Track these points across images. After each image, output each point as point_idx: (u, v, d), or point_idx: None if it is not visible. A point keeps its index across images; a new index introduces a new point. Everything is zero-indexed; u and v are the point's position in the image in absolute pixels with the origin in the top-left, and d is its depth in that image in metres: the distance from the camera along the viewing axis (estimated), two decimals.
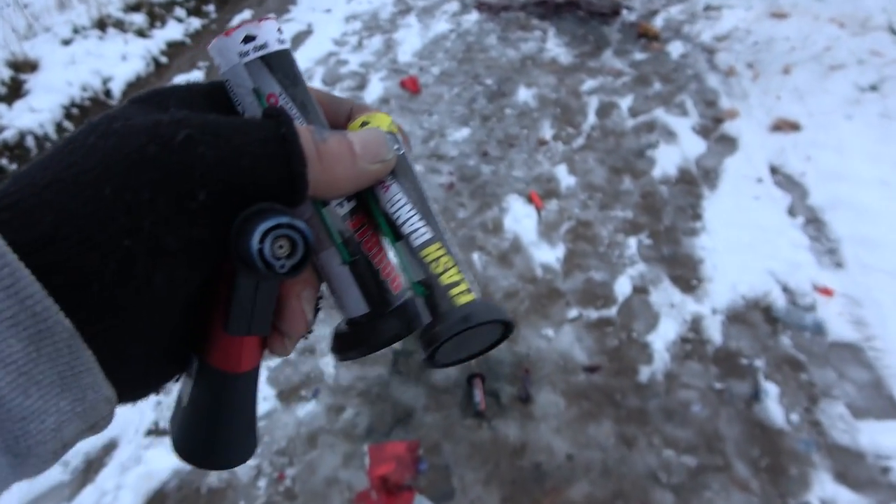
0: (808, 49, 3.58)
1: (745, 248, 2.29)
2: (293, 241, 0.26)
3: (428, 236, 0.31)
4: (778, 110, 3.07)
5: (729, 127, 2.99)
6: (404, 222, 0.31)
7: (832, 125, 2.91)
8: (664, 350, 1.94)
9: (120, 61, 3.60)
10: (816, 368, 1.89)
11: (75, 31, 3.72)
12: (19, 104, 3.09)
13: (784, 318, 2.03)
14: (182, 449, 0.31)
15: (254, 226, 0.25)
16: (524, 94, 3.31)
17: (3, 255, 0.20)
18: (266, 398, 1.85)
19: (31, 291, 0.20)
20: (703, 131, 2.99)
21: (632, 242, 2.35)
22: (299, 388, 1.89)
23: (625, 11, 4.24)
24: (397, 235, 0.31)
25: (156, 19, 4.10)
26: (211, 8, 4.53)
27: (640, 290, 2.16)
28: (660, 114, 3.12)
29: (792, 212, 2.47)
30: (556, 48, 3.80)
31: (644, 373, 1.88)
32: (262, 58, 0.29)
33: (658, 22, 4.09)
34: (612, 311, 2.07)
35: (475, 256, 2.28)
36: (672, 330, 2.00)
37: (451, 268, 0.30)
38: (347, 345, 0.31)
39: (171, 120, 0.24)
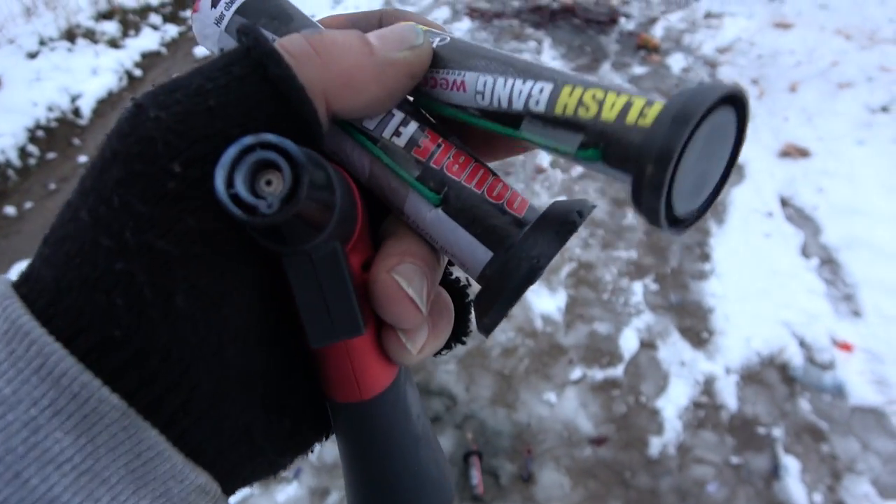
0: (814, 64, 3.43)
1: (757, 295, 2.15)
2: (277, 166, 0.18)
3: (549, 88, 0.21)
4: (786, 133, 2.93)
5: None
6: (509, 97, 0.22)
7: (843, 152, 2.77)
8: (676, 417, 1.79)
9: (90, 76, 3.39)
10: (838, 438, 1.75)
11: (42, 42, 3.50)
12: None
13: (802, 379, 1.89)
14: None
15: (215, 166, 0.18)
16: None
17: (29, 333, 0.17)
18: None
19: (63, 368, 0.17)
20: None
21: (637, 288, 2.20)
22: None
23: (622, 19, 4.07)
24: (513, 121, 0.22)
25: (129, 27, 3.88)
26: (188, 13, 4.31)
27: (647, 344, 2.01)
28: None
29: (805, 251, 2.33)
30: (551, 60, 3.62)
31: (655, 445, 1.74)
32: (237, 12, 0.24)
33: (657, 31, 3.93)
34: (619, 371, 1.93)
35: None
36: (683, 393, 1.86)
37: (604, 97, 0.20)
38: (486, 303, 0.22)
39: (130, 103, 0.20)
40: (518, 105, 0.22)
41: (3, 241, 2.56)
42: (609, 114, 0.20)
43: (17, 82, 3.16)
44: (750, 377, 1.91)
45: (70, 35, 3.61)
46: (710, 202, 0.22)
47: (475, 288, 0.25)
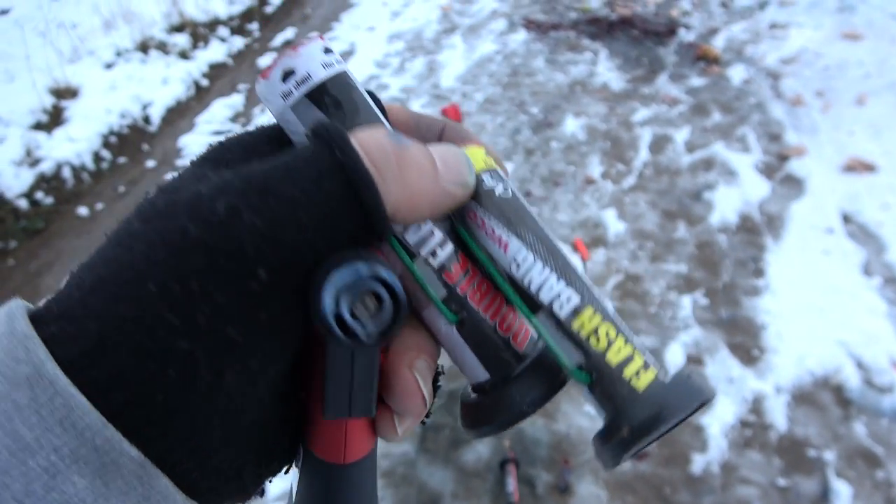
0: (884, 76, 3.29)
1: (813, 314, 2.07)
2: (378, 295, 0.21)
3: (576, 301, 0.24)
4: (851, 147, 2.81)
5: (796, 165, 2.75)
6: (540, 286, 0.24)
7: None
8: (721, 435, 1.75)
9: (160, 85, 3.56)
10: (895, 464, 1.67)
11: (118, 54, 3.71)
12: (58, 132, 3.08)
13: (858, 401, 1.82)
14: None
15: (323, 285, 0.20)
16: (572, 125, 3.13)
17: (53, 382, 0.18)
18: None
19: (88, 422, 0.18)
20: (767, 170, 2.76)
21: (686, 302, 2.15)
22: None
23: (682, 30, 4.00)
24: (532, 305, 0.25)
25: (199, 40, 4.07)
26: (254, 26, 4.48)
27: (694, 359, 1.97)
28: (719, 149, 2.90)
29: (867, 270, 2.24)
30: (607, 72, 3.60)
31: (698, 462, 1.70)
32: (307, 94, 0.25)
33: (719, 42, 3.85)
34: None
35: None
36: (730, 411, 1.81)
37: (615, 338, 0.24)
38: (478, 419, 0.26)
39: (211, 188, 0.21)
40: (544, 298, 0.24)
41: (76, 241, 2.72)
42: (613, 357, 0.23)
43: (94, 91, 3.36)
44: (802, 398, 1.84)
45: (144, 47, 3.82)
46: (647, 446, 0.24)
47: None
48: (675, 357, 1.97)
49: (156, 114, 3.40)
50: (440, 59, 3.87)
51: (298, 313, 0.21)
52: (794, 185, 2.66)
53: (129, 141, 3.21)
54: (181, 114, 3.53)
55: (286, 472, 0.27)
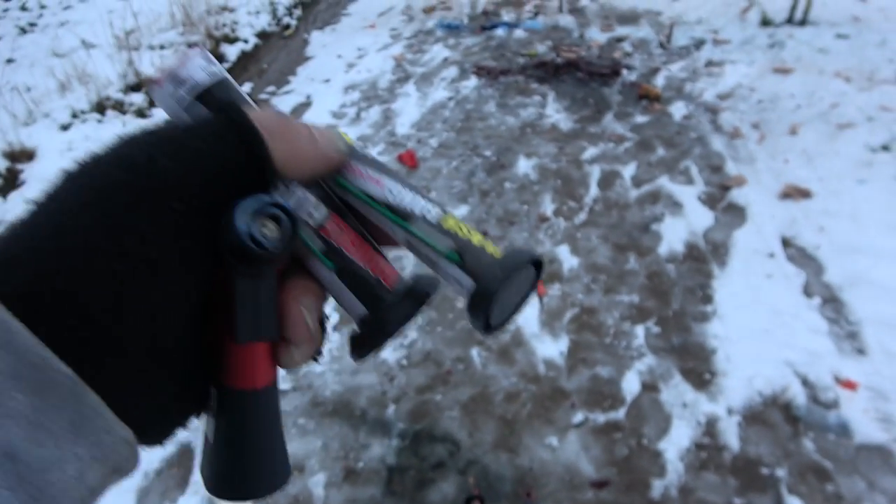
0: (814, 106, 3.49)
1: (759, 335, 2.17)
2: (279, 219, 0.26)
3: (438, 209, 0.32)
4: (787, 175, 2.97)
5: (737, 195, 2.89)
6: (409, 203, 0.31)
7: (845, 191, 2.81)
8: (678, 459, 1.80)
9: None
10: (844, 477, 1.74)
11: (74, 115, 3.73)
12: (14, 196, 3.07)
13: (805, 418, 1.89)
14: (215, 486, 0.31)
15: (237, 209, 0.25)
16: (524, 166, 3.24)
17: None
18: None
19: (26, 344, 0.20)
20: (710, 200, 2.89)
21: (639, 331, 2.23)
22: None
23: (625, 71, 4.20)
24: (407, 217, 0.31)
25: None
26: None
27: (649, 387, 2.03)
28: (664, 182, 3.03)
29: (807, 291, 2.35)
30: (555, 113, 3.74)
31: (657, 487, 1.74)
32: (197, 97, 0.29)
33: (659, 80, 4.04)
34: (621, 414, 1.95)
35: (473, 352, 2.18)
36: (685, 435, 1.87)
37: (471, 231, 0.32)
38: (361, 342, 0.32)
39: (130, 143, 0.25)
40: (415, 210, 0.31)
41: None
42: (474, 240, 0.31)
43: (50, 153, 3.37)
44: (753, 417, 1.91)
45: (100, 107, 3.85)
46: (509, 319, 0.32)
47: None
48: (631, 385, 2.03)
49: None
50: (395, 107, 3.98)
51: (207, 245, 0.25)
52: (736, 213, 2.79)
53: None
54: None
55: (198, 416, 0.30)
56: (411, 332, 2.27)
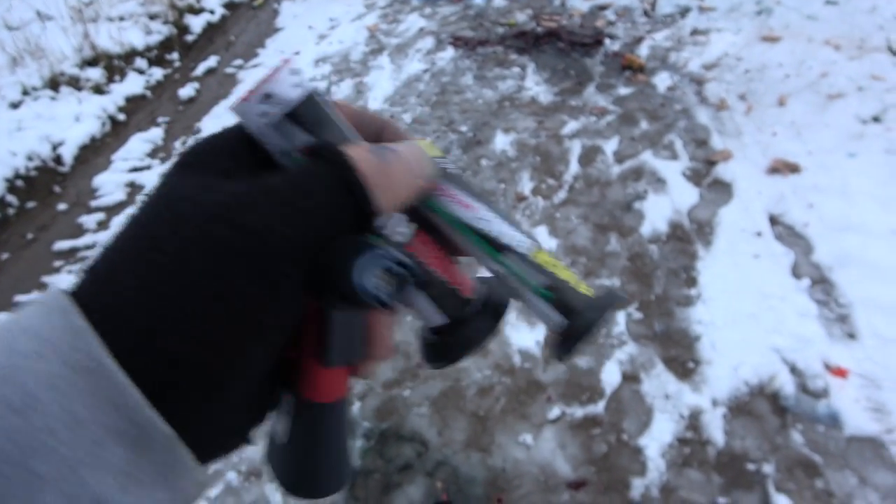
0: (803, 76, 3.36)
1: (745, 320, 2.06)
2: (390, 269, 0.27)
3: (530, 243, 0.32)
4: (774, 149, 2.84)
5: (722, 170, 2.76)
6: (501, 233, 0.32)
7: (834, 165, 2.68)
8: (659, 456, 1.70)
9: (72, 123, 3.39)
10: (834, 472, 1.64)
11: (25, 92, 3.52)
12: None
13: (794, 409, 1.79)
14: (292, 484, 0.33)
15: (359, 266, 0.25)
16: (502, 142, 3.09)
17: (110, 372, 0.21)
18: None
19: (132, 403, 0.21)
20: (695, 176, 2.76)
21: (620, 318, 2.11)
22: None
23: (607, 40, 4.03)
24: (499, 248, 0.32)
25: (114, 73, 3.90)
26: (175, 56, 4.33)
27: (630, 377, 1.92)
28: (647, 157, 2.89)
29: (796, 271, 2.24)
30: (535, 86, 3.58)
31: (637, 487, 1.64)
32: (286, 114, 0.29)
33: (643, 50, 3.88)
34: (600, 408, 1.83)
35: None
36: (667, 429, 1.76)
37: (563, 268, 0.32)
38: (441, 353, 0.33)
39: (239, 203, 0.25)
40: (507, 241, 0.31)
41: None
42: (568, 278, 0.31)
43: None
44: (738, 409, 1.81)
45: (54, 83, 3.63)
46: (582, 349, 0.39)
47: None
48: (611, 377, 1.92)
49: (68, 153, 3.22)
50: (367, 80, 3.80)
51: (308, 291, 0.26)
52: (721, 189, 2.67)
53: (39, 184, 3.03)
54: (96, 151, 3.36)
55: (264, 420, 0.31)
56: None
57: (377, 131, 0.33)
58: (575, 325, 0.30)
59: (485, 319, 0.32)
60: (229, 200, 0.25)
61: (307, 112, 0.29)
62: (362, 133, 0.32)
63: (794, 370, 1.89)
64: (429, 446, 1.75)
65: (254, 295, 0.24)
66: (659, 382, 1.89)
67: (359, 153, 0.27)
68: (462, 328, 0.32)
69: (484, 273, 0.33)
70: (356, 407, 1.86)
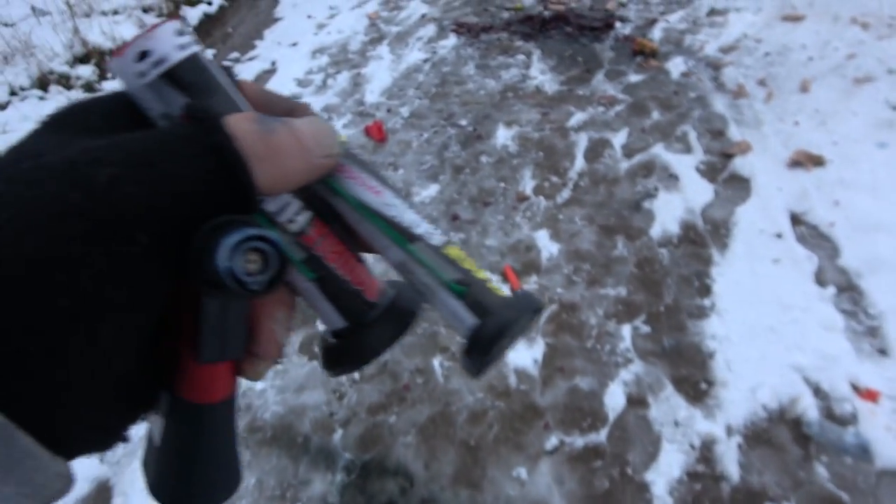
0: (828, 59, 3.12)
1: (764, 335, 1.88)
2: (265, 253, 0.23)
3: (442, 236, 0.30)
4: (797, 139, 2.64)
5: (740, 164, 2.57)
6: (412, 223, 0.29)
7: (863, 157, 2.47)
8: (667, 494, 1.54)
9: None
10: None
11: (12, 93, 3.41)
12: None
13: (818, 437, 1.62)
14: (161, 492, 0.29)
15: (217, 243, 0.22)
16: (503, 136, 2.91)
17: None
18: None
19: None
20: (710, 171, 2.56)
21: (626, 332, 1.94)
22: None
23: (618, 24, 3.81)
24: (409, 237, 0.29)
25: (106, 70, 3.78)
26: None
27: (636, 401, 1.75)
28: (659, 151, 2.70)
29: (820, 278, 2.05)
30: (540, 74, 3.39)
31: None
32: (163, 74, 0.26)
33: (656, 33, 3.66)
34: (602, 436, 1.68)
35: (435, 363, 1.90)
36: (677, 462, 1.60)
37: (475, 266, 0.30)
38: (338, 359, 0.31)
39: (89, 158, 0.21)
40: (417, 231, 0.29)
41: None
42: (480, 276, 0.29)
43: None
44: (756, 437, 1.64)
45: (42, 83, 3.52)
46: (495, 363, 0.29)
47: None
48: (615, 399, 1.76)
49: None
50: (365, 72, 3.63)
51: (170, 274, 0.22)
52: (739, 185, 2.47)
53: None
54: None
55: (142, 419, 0.28)
56: None
57: (287, 113, 0.30)
58: (489, 326, 0.28)
59: (389, 326, 0.30)
60: (76, 155, 0.21)
61: (189, 74, 0.26)
62: (270, 114, 0.27)
63: (818, 392, 1.72)
64: (414, 481, 1.61)
65: (93, 262, 0.20)
66: (668, 407, 1.73)
67: (239, 121, 0.24)
68: (363, 334, 0.30)
69: (389, 266, 0.30)
70: (337, 436, 1.73)
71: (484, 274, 0.29)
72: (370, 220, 0.29)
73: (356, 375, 1.89)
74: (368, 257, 0.32)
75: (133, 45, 0.25)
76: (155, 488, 0.29)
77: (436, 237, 0.29)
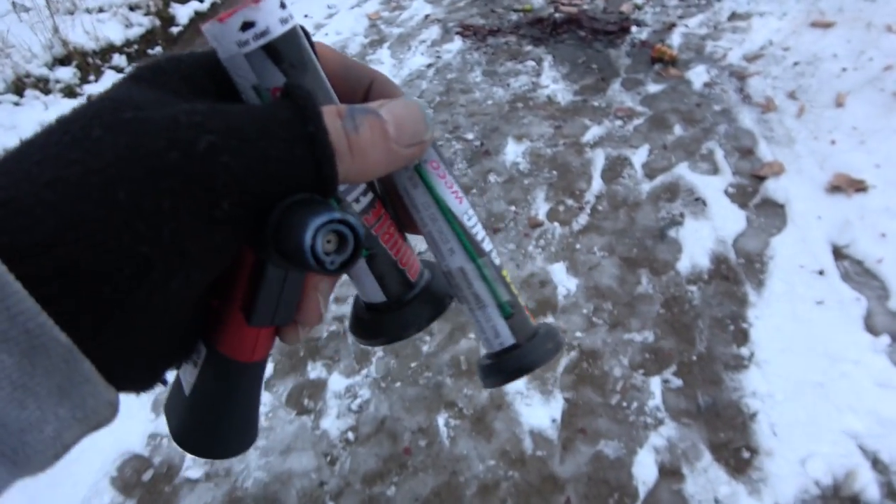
0: (863, 70, 2.89)
1: (811, 392, 1.66)
2: (342, 235, 0.24)
3: (499, 258, 0.31)
4: (834, 160, 2.41)
5: (773, 187, 2.35)
6: (483, 238, 0.30)
7: None
8: None
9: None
10: None
11: None
12: None
13: None
14: (184, 439, 0.30)
15: (305, 221, 0.23)
16: (513, 152, 2.69)
17: None
18: None
19: (22, 307, 0.19)
20: (741, 195, 2.34)
21: (655, 386, 1.73)
22: None
23: (634, 28, 3.58)
24: (479, 252, 0.30)
25: (88, 72, 3.55)
26: (158, 50, 3.97)
27: (669, 472, 1.54)
28: (683, 171, 2.48)
29: (870, 324, 1.83)
30: (552, 83, 3.16)
31: None
32: (263, 47, 0.25)
33: (675, 39, 3.43)
34: None
35: (440, 421, 1.68)
36: None
37: (516, 289, 0.31)
38: (371, 332, 0.31)
39: (191, 122, 0.22)
40: (486, 248, 0.30)
41: None
42: (521, 300, 0.31)
43: None
44: None
45: (18, 87, 3.29)
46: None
47: None
48: (644, 470, 1.54)
49: None
50: None
51: (239, 239, 0.23)
52: (773, 212, 2.25)
53: None
54: None
55: (178, 366, 0.29)
56: (363, 391, 1.78)
57: (366, 85, 0.30)
58: (526, 352, 0.30)
59: (427, 307, 0.31)
60: (179, 115, 0.22)
61: (289, 50, 0.26)
62: (349, 86, 0.29)
63: (876, 464, 1.50)
64: None
65: (179, 218, 0.21)
66: (706, 480, 1.52)
67: (331, 115, 0.24)
68: (400, 311, 0.31)
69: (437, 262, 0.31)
70: None
71: (523, 300, 0.31)
72: (448, 223, 0.29)
73: (351, 435, 1.67)
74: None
75: (238, 14, 0.25)
76: (180, 436, 0.30)
77: (497, 258, 0.30)
